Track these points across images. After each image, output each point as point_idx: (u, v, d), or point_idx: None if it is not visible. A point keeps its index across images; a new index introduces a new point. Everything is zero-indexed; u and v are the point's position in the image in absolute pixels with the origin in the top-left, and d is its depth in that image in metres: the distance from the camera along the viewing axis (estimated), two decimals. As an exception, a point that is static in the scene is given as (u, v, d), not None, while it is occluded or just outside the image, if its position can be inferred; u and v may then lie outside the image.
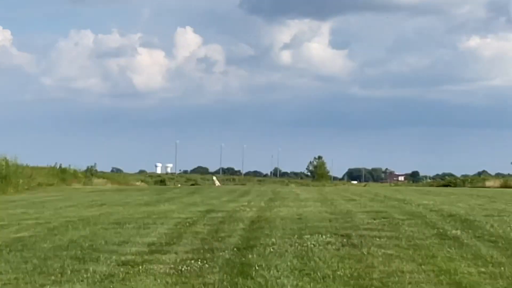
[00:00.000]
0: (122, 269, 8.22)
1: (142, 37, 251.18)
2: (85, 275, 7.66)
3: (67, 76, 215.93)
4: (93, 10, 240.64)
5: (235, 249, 10.24)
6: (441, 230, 13.26)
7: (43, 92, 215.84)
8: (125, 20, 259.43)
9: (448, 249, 10.35)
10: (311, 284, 7.03)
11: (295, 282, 7.19)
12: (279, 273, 7.78)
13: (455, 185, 65.82)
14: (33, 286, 7.29)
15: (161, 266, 8.55)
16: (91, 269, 8.21)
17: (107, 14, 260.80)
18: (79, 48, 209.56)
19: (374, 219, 15.73)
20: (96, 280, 7.43)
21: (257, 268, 8.12)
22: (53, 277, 7.60)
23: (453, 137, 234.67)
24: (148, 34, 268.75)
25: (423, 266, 8.48)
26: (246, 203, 22.60)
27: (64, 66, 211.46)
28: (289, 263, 8.70)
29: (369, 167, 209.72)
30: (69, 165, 57.90)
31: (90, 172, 62.33)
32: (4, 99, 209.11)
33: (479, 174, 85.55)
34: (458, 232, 12.92)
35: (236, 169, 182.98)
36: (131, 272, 7.93)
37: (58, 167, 55.65)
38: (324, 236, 11.99)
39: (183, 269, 8.20)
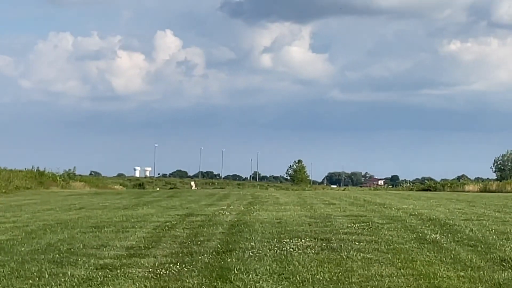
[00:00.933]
0: (100, 273, 8.20)
1: (121, 40, 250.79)
2: (63, 279, 7.64)
3: (46, 79, 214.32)
4: (73, 12, 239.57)
5: (214, 253, 10.24)
6: (421, 234, 13.36)
7: (22, 94, 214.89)
8: (105, 23, 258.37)
9: (428, 253, 10.44)
10: (290, 288, 7.05)
11: (274, 286, 7.22)
12: (258, 277, 7.80)
13: (435, 190, 66.60)
14: None
15: (140, 270, 8.54)
16: (69, 272, 8.19)
17: (87, 16, 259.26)
18: (58, 50, 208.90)
19: (354, 223, 15.76)
20: (74, 284, 7.42)
21: (236, 272, 8.13)
22: (30, 281, 7.56)
23: (432, 141, 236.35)
24: (128, 37, 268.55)
25: (402, 270, 8.54)
26: (225, 207, 22.63)
27: (43, 69, 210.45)
28: (268, 267, 8.71)
29: (349, 171, 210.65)
30: (47, 169, 57.71)
31: (68, 176, 61.95)
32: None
33: (459, 178, 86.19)
34: (438, 236, 13.03)
35: (215, 172, 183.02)
36: (110, 275, 7.91)
37: (36, 170, 55.42)
38: (303, 240, 12.01)
39: (161, 273, 8.20)
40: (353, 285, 7.13)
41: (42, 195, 41.04)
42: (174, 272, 8.27)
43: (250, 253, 10.15)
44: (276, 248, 10.79)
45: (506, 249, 10.59)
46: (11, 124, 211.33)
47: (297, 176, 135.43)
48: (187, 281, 7.58)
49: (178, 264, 9.01)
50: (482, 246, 11.01)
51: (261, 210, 21.21)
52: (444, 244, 11.35)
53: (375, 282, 7.55)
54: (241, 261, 9.31)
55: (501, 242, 11.62)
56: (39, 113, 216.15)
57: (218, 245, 11.57)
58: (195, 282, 7.47)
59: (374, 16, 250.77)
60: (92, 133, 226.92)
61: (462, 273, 7.96)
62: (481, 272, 8.03)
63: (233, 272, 8.11)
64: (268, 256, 10.08)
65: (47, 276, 7.95)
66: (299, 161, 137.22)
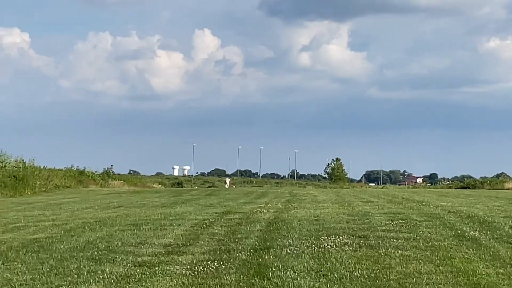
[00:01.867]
0: (138, 270, 8.28)
1: (160, 39, 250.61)
2: (101, 276, 7.72)
3: (85, 79, 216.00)
4: (112, 13, 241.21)
5: (251, 250, 10.24)
6: (459, 232, 13.24)
7: (61, 94, 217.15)
8: (144, 23, 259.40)
9: (466, 250, 10.34)
10: (328, 285, 7.02)
11: (311, 283, 7.20)
12: (296, 274, 7.78)
13: (474, 187, 65.61)
14: (49, 287, 7.36)
15: (178, 267, 8.59)
16: (107, 270, 8.28)
17: (126, 16, 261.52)
18: (97, 50, 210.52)
19: (392, 221, 15.68)
20: (112, 281, 7.49)
21: (273, 269, 8.12)
22: (69, 278, 7.65)
23: (472, 139, 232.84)
24: (167, 37, 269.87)
25: (440, 267, 8.46)
26: (263, 205, 22.63)
27: (83, 69, 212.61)
28: (305, 264, 8.70)
29: (387, 169, 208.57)
30: (86, 167, 58.37)
31: (107, 174, 62.60)
32: (23, 102, 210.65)
33: (498, 176, 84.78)
34: (477, 233, 12.90)
35: (253, 171, 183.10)
36: (147, 273, 7.97)
37: (75, 169, 56.12)
38: (341, 238, 11.98)
39: (199, 270, 8.20)
40: (391, 282, 7.09)
41: (81, 193, 41.57)
42: (212, 269, 8.27)
43: (288, 251, 10.12)
44: (313, 246, 10.75)
45: (546, 246, 10.44)
46: (51, 123, 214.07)
47: (335, 174, 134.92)
48: (225, 278, 7.56)
49: (216, 261, 9.00)
50: (522, 243, 10.88)
51: (299, 207, 21.16)
52: (483, 241, 11.23)
53: (413, 279, 7.48)
54: (279, 258, 9.28)
55: (541, 239, 11.49)
56: (79, 113, 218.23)
57: (256, 243, 11.58)
58: (233, 279, 7.46)
59: (413, 14, 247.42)
60: (131, 132, 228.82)
61: (501, 270, 7.88)
62: (520, 269, 7.96)
63: (270, 269, 8.09)
64: (306, 253, 10.07)
65: (85, 273, 8.04)
66: (337, 159, 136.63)
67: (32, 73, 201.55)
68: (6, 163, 42.63)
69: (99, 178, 58.88)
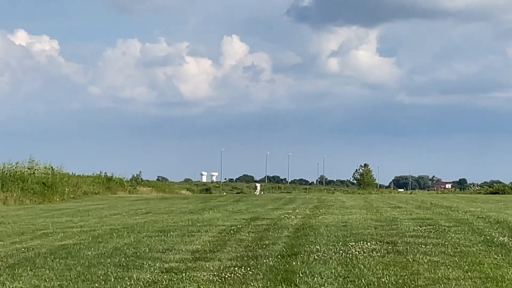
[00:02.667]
0: (165, 276, 8.32)
1: (189, 46, 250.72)
2: (128, 283, 7.79)
3: (114, 85, 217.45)
4: (140, 19, 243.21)
5: (279, 256, 10.27)
6: (488, 237, 13.18)
7: (91, 101, 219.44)
8: (172, 29, 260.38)
9: (495, 256, 10.25)
10: (355, 291, 7.08)
11: (339, 289, 7.32)
12: (323, 280, 7.79)
13: (503, 193, 64.98)
14: None
15: (205, 273, 8.61)
16: (134, 276, 8.35)
17: (154, 23, 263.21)
18: (126, 57, 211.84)
19: (420, 226, 15.66)
20: (139, 287, 7.58)
21: (301, 275, 8.13)
22: (96, 285, 7.74)
23: (501, 144, 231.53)
24: (195, 43, 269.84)
25: (469, 273, 8.41)
26: (291, 211, 22.71)
27: (112, 76, 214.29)
28: (333, 270, 8.70)
29: (416, 175, 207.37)
30: (115, 174, 58.78)
31: (136, 181, 63.11)
32: (52, 109, 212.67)
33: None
34: (506, 239, 12.84)
35: (281, 177, 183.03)
36: (175, 279, 8.01)
37: (103, 175, 56.59)
38: (369, 243, 11.98)
39: (226, 276, 8.23)
40: (419, 288, 7.06)
41: (110, 200, 42.04)
42: (239, 275, 8.30)
43: (315, 256, 10.13)
44: (341, 251, 10.77)
45: None
46: (80, 130, 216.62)
47: (363, 180, 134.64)
48: (252, 284, 7.59)
49: (243, 267, 9.04)
50: (552, 249, 10.79)
51: (326, 213, 21.19)
52: (513, 247, 11.16)
53: (441, 285, 7.45)
54: (306, 264, 9.30)
55: None
56: (107, 119, 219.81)
57: (283, 249, 11.59)
58: (260, 285, 7.49)
59: (441, 18, 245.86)
60: (159, 138, 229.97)
61: (530, 276, 7.79)
62: (550, 276, 7.91)
63: (298, 275, 8.12)
64: (334, 259, 10.03)
65: (113, 279, 8.13)
66: (366, 165, 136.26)
67: (62, 80, 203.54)
68: (35, 170, 43.18)
69: (127, 184, 59.43)
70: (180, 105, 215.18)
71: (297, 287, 7.55)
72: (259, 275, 8.44)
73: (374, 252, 10.89)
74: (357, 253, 10.93)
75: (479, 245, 11.99)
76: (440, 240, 12.90)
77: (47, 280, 8.42)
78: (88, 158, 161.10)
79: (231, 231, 15.37)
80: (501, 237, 13.00)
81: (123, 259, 10.53)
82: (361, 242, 12.62)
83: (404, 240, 12.83)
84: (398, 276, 8.16)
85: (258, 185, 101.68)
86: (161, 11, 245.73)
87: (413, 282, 7.87)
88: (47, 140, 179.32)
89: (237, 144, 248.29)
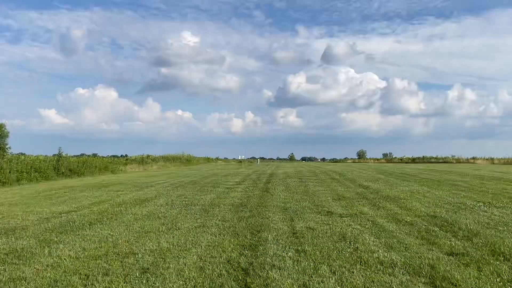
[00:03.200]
0: (227, 190, 19.06)
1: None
2: (216, 189, 18.97)
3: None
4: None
5: (266, 183, 22.72)
6: (358, 184, 22.92)
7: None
8: None
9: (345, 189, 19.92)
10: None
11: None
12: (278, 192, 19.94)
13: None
14: (195, 196, 17.45)
15: (239, 189, 19.79)
16: (219, 189, 19.43)
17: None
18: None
19: (312, 176, 26.76)
20: (220, 191, 18.57)
21: (272, 190, 20.38)
22: (204, 192, 18.41)
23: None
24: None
25: (327, 190, 19.43)
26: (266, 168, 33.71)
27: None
28: (282, 186, 20.29)
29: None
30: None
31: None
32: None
33: None
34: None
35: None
36: (230, 191, 18.57)
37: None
38: (294, 179, 24.28)
39: (247, 190, 19.75)
40: None
41: (205, 165, 54.58)
42: (252, 189, 20.17)
43: (278, 184, 22.27)
44: (282, 182, 22.63)
45: None
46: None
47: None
48: (256, 192, 19.64)
49: (253, 186, 20.58)
50: None
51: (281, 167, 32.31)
52: None
53: (315, 193, 17.38)
54: (275, 188, 21.01)
55: None
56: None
57: (267, 184, 23.37)
58: (258, 192, 20.15)
59: None
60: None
61: None
62: None
63: (271, 189, 20.28)
64: (279, 182, 21.88)
65: (209, 188, 19.67)
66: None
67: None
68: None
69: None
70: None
71: (268, 193, 17.52)
72: (257, 190, 18.96)
73: (294, 181, 22.37)
74: (290, 181, 22.48)
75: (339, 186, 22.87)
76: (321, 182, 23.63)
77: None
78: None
79: (248, 175, 27.19)
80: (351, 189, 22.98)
81: (212, 184, 21.94)
82: (292, 178, 24.70)
83: (306, 178, 24.18)
84: (302, 186, 19.27)
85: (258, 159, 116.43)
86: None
87: (307, 188, 18.57)
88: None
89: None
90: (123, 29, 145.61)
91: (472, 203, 13.61)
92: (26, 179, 26.88)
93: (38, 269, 6.83)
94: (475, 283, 5.87)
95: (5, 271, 6.76)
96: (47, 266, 7.02)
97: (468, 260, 6.93)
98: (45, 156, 35.06)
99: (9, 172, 25.85)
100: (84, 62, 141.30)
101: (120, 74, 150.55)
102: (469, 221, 10.34)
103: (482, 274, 6.26)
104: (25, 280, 6.29)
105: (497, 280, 5.97)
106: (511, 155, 78.75)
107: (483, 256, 7.20)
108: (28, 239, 9.06)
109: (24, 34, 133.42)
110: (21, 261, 7.33)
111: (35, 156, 33.92)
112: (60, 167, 32.20)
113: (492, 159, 73.79)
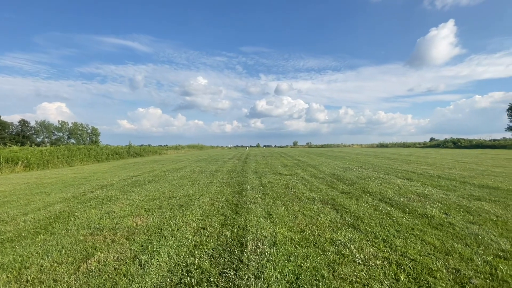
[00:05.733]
0: (220, 166, 20.36)
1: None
2: (214, 166, 19.96)
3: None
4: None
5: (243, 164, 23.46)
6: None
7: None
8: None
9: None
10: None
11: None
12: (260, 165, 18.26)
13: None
14: (206, 166, 18.25)
15: (228, 167, 21.02)
16: (213, 167, 20.10)
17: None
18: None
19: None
20: (219, 163, 19.18)
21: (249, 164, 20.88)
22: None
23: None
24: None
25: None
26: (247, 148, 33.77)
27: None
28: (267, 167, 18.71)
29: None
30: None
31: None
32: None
33: None
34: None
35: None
36: (220, 166, 20.79)
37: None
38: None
39: (235, 162, 19.52)
40: None
41: (202, 150, 53.45)
42: (239, 168, 19.08)
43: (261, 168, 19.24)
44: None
45: None
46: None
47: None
48: (238, 170, 19.16)
49: (241, 165, 19.16)
50: None
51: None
52: None
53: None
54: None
55: None
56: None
57: (241, 162, 22.89)
58: (240, 167, 19.47)
59: None
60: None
61: None
62: None
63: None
64: (260, 162, 19.92)
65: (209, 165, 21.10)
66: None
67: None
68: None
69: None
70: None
71: (246, 164, 18.19)
72: (240, 162, 18.48)
73: (260, 158, 22.89)
74: (258, 158, 22.91)
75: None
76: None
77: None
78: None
79: (235, 155, 27.12)
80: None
81: (215, 159, 20.75)
82: (259, 156, 24.58)
83: (266, 156, 25.32)
84: (264, 160, 19.89)
85: (247, 146, 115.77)
86: None
87: (267, 161, 18.39)
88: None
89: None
90: (163, 75, 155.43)
91: (352, 167, 14.52)
92: (111, 159, 27.54)
93: (121, 206, 7.13)
94: (355, 207, 6.76)
95: (102, 207, 7.10)
96: (126, 204, 7.30)
97: (351, 196, 7.81)
98: (122, 146, 36.20)
99: (101, 154, 26.72)
100: (142, 93, 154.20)
101: (163, 100, 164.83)
102: (351, 176, 11.19)
103: (358, 202, 7.16)
104: (114, 212, 6.62)
105: (366, 205, 6.89)
106: (370, 142, 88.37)
107: (359, 193, 8.08)
108: (114, 190, 9.26)
109: (108, 78, 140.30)
110: (111, 202, 7.63)
111: (115, 146, 35.00)
112: (130, 151, 33.08)
113: (361, 145, 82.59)
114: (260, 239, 5.04)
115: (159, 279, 4.04)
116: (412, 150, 37.40)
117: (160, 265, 4.35)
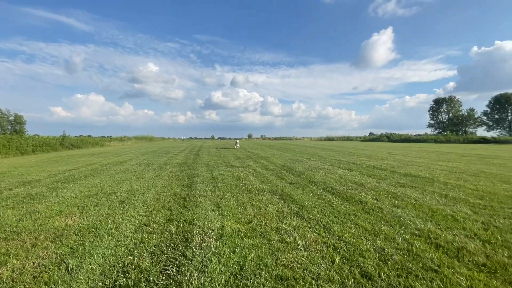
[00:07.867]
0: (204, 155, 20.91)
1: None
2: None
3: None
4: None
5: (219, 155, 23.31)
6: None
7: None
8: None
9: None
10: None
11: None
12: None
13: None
14: (154, 159, 18.56)
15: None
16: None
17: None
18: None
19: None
20: (169, 156, 19.01)
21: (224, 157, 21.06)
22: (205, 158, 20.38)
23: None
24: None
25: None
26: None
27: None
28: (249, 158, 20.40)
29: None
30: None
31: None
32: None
33: None
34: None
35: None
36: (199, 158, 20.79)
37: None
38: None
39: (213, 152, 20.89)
40: None
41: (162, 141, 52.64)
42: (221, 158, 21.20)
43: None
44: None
45: None
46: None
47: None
48: (209, 161, 20.55)
49: (220, 158, 21.75)
50: None
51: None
52: None
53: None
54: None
55: None
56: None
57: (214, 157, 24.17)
58: (213, 159, 20.14)
59: None
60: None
61: None
62: None
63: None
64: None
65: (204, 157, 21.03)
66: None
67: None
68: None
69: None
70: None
71: (198, 156, 18.55)
72: (192, 155, 18.91)
73: (213, 150, 23.66)
74: (211, 150, 23.38)
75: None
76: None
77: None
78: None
79: (187, 147, 27.25)
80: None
81: (165, 152, 20.88)
82: (212, 148, 25.17)
83: (220, 148, 25.39)
84: (217, 152, 20.53)
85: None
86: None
87: (219, 153, 19.24)
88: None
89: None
90: (107, 58, 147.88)
91: (301, 159, 15.57)
92: (40, 151, 25.74)
93: (47, 205, 6.66)
94: (301, 196, 7.21)
95: (23, 207, 6.58)
96: (54, 203, 6.85)
97: (298, 186, 8.30)
98: (54, 136, 34.43)
99: (26, 146, 24.96)
100: (81, 78, 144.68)
101: (107, 86, 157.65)
102: (299, 167, 11.86)
103: (304, 192, 7.65)
104: (38, 212, 6.19)
105: (311, 194, 7.41)
106: (319, 136, 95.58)
107: (305, 183, 8.61)
108: (40, 187, 8.55)
109: (36, 57, 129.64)
110: (35, 201, 7.08)
111: (45, 136, 33.62)
112: (65, 143, 31.22)
113: (311, 138, 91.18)
114: (207, 233, 5.13)
115: (89, 283, 3.93)
116: (354, 143, 44.08)
117: (91, 268, 4.21)
